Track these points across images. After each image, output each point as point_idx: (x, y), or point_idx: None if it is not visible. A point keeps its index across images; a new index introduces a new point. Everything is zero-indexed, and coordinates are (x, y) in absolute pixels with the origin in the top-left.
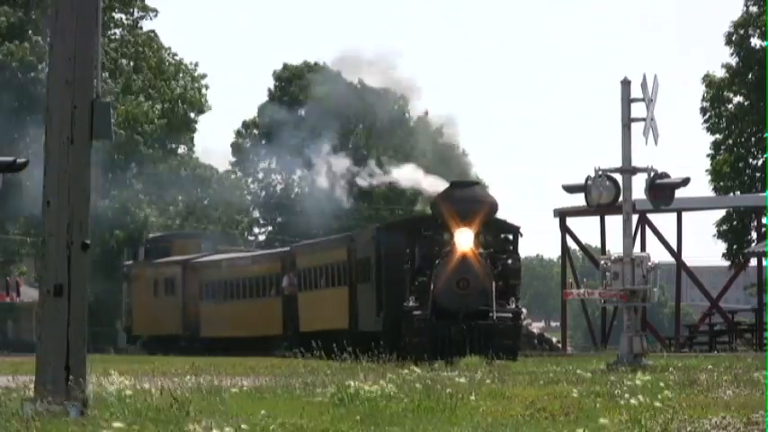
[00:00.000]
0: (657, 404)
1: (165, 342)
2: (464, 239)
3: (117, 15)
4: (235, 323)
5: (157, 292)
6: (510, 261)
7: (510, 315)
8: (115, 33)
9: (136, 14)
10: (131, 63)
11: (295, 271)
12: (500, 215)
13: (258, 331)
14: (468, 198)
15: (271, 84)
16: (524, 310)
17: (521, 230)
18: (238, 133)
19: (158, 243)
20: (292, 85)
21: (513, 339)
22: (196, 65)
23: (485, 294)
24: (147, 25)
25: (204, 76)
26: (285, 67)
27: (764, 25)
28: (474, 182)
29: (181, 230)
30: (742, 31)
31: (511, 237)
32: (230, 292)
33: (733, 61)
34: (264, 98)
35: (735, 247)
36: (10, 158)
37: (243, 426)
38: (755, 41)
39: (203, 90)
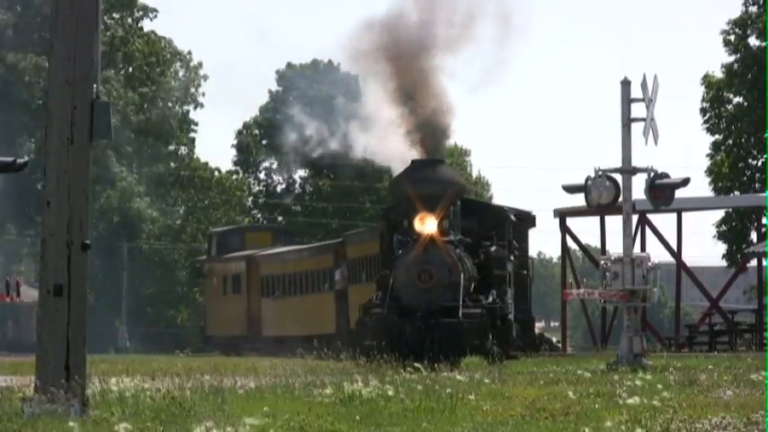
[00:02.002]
0: (657, 404)
1: (234, 343)
2: (427, 225)
3: (117, 15)
4: (291, 321)
5: (226, 290)
6: (493, 248)
7: (480, 311)
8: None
9: (136, 14)
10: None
11: (346, 263)
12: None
13: (312, 330)
14: (431, 178)
15: (273, 83)
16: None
17: (509, 214)
18: (239, 133)
19: (229, 237)
20: (295, 84)
21: (482, 339)
22: (189, 53)
23: (452, 288)
24: (147, 25)
25: (200, 65)
26: (289, 65)
27: (764, 25)
28: (438, 160)
29: (253, 223)
30: (741, 32)
31: (503, 222)
32: (286, 288)
33: (732, 61)
34: (266, 98)
35: (735, 247)
36: (10, 158)
37: (246, 426)
38: (754, 41)
39: (201, 81)
